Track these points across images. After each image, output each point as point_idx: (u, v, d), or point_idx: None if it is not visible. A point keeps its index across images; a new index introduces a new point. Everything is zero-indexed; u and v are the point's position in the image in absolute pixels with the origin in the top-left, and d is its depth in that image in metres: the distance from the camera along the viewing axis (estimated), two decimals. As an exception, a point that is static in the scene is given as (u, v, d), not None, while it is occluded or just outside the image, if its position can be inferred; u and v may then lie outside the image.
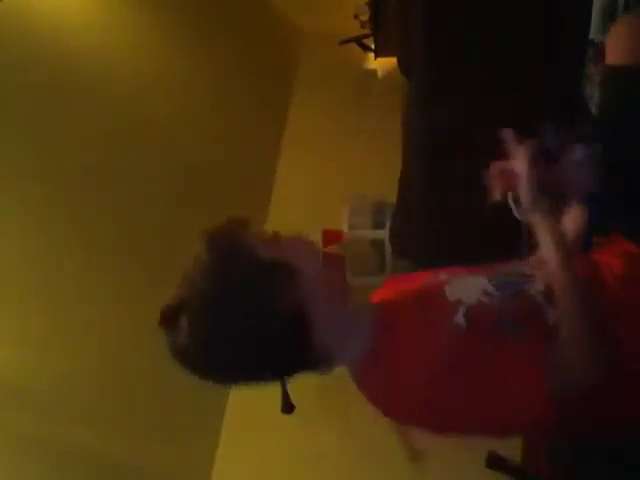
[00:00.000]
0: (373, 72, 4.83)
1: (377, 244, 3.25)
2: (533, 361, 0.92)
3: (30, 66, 2.40)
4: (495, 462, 1.70)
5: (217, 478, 2.63)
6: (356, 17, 4.66)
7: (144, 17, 3.34)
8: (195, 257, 0.93)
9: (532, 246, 1.04)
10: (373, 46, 4.46)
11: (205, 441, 2.71)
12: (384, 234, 3.18)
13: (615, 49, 1.39)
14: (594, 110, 1.78)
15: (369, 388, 0.99)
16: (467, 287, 1.02)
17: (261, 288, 0.91)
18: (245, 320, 0.90)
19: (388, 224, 3.16)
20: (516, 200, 1.02)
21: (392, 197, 2.99)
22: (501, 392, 0.92)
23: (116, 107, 2.83)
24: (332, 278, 1.03)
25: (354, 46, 4.69)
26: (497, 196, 1.06)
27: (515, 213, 1.03)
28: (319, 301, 0.94)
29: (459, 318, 0.95)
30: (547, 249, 0.98)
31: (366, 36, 4.58)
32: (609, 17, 1.72)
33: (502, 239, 1.21)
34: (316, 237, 3.08)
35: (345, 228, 3.24)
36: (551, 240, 0.98)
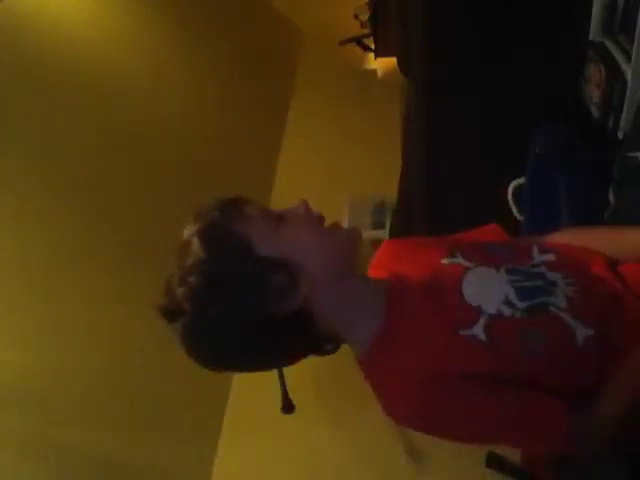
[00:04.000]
0: (373, 72, 4.84)
1: (377, 244, 3.25)
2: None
3: (30, 65, 2.40)
4: (495, 462, 1.70)
5: (217, 478, 2.63)
6: (356, 17, 4.67)
7: (145, 17, 3.34)
8: (185, 245, 0.89)
9: None
10: (373, 46, 4.46)
11: (205, 440, 2.70)
12: (384, 234, 3.18)
13: None
14: (594, 111, 1.78)
15: (373, 380, 0.92)
16: (487, 290, 0.91)
17: (259, 294, 0.87)
18: (244, 327, 0.87)
19: (388, 224, 3.16)
20: (515, 200, 0.99)
21: (392, 197, 2.99)
22: (510, 418, 0.85)
23: (116, 107, 2.83)
24: (337, 258, 0.93)
25: (354, 46, 4.70)
26: None
27: (515, 213, 1.00)
28: (322, 291, 0.89)
29: (478, 330, 0.86)
30: None
31: (366, 36, 4.59)
32: (609, 17, 1.72)
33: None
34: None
35: (345, 228, 3.23)
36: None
